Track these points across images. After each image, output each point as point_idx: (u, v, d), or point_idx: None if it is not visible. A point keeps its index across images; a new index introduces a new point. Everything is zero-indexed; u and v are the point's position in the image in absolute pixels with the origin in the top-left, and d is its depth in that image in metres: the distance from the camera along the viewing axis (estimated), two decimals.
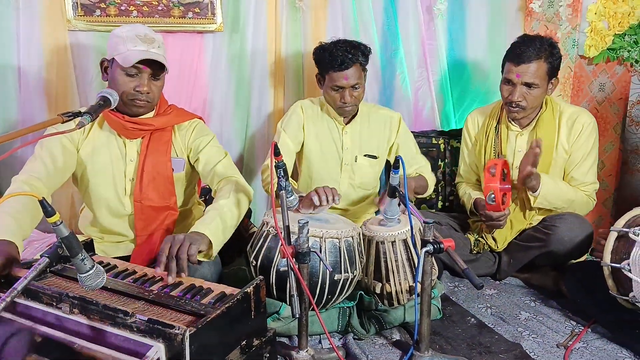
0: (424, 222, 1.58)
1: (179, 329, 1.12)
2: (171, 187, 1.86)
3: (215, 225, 1.64)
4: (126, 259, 1.79)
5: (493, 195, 2.07)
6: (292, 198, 1.73)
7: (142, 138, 1.84)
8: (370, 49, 2.22)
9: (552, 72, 2.16)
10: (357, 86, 2.17)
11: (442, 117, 2.96)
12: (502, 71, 2.22)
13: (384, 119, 2.35)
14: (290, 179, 1.88)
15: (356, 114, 2.32)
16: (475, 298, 2.18)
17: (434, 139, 2.75)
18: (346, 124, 2.32)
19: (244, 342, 1.33)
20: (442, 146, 2.75)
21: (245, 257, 1.98)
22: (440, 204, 2.80)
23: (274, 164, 1.59)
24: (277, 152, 1.59)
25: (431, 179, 2.37)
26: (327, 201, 1.86)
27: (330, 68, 2.15)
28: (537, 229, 2.25)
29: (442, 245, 1.56)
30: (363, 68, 2.19)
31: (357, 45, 2.16)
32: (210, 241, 1.61)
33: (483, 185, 2.15)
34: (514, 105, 2.17)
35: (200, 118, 1.99)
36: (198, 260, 1.57)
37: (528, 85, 2.13)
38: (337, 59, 2.11)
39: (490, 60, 2.82)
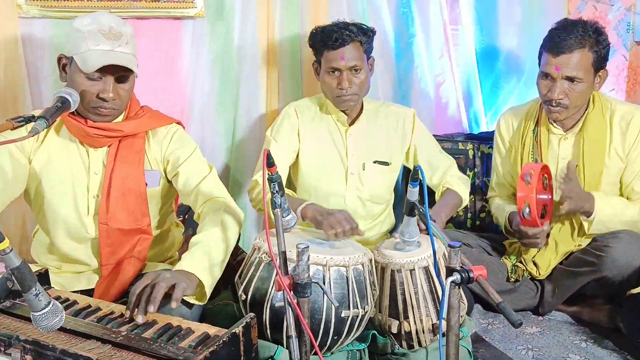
0: (450, 245, 1.58)
1: None
2: (144, 206, 1.86)
3: (204, 264, 1.66)
4: (89, 293, 1.79)
5: (528, 209, 2.07)
6: (289, 217, 1.74)
7: (109, 146, 1.84)
8: (374, 30, 2.25)
9: (599, 63, 2.17)
10: (357, 69, 2.19)
11: (470, 118, 2.97)
12: (539, 63, 2.23)
13: (395, 116, 2.37)
14: (287, 190, 1.89)
15: (361, 112, 2.33)
16: (514, 338, 2.17)
17: (460, 144, 2.77)
18: (350, 125, 2.33)
19: None
20: (470, 153, 2.77)
21: (233, 290, 1.98)
22: (469, 222, 2.80)
23: (266, 176, 1.60)
24: (270, 163, 1.59)
25: (464, 188, 2.35)
26: (345, 235, 1.88)
27: (324, 47, 2.18)
28: (587, 251, 2.25)
29: (471, 274, 1.55)
30: (365, 50, 2.21)
31: (356, 24, 2.20)
32: (199, 282, 1.63)
33: (517, 196, 2.15)
34: (554, 103, 2.18)
35: (179, 123, 2.00)
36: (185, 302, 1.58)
37: (570, 79, 2.15)
38: (332, 35, 2.15)
39: (528, 48, 2.84)
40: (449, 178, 2.36)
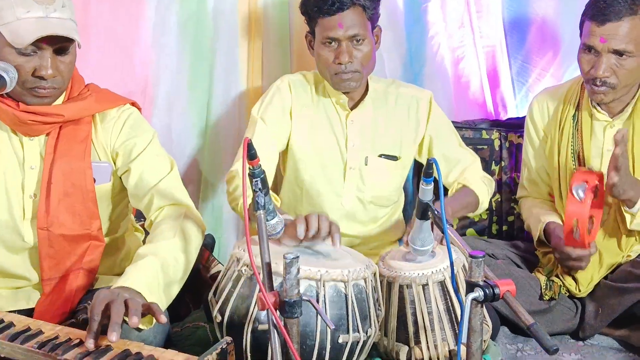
0: (471, 255, 1.58)
1: None
2: (92, 206, 1.85)
3: (156, 281, 1.64)
4: (29, 313, 1.78)
5: (577, 229, 2.07)
6: (274, 221, 1.73)
7: (48, 135, 1.83)
8: None
9: None
10: (358, 39, 2.18)
11: (497, 101, 2.96)
12: (581, 34, 2.23)
13: (407, 100, 2.36)
14: (271, 193, 1.88)
15: (366, 93, 2.32)
16: None
17: (484, 132, 2.76)
18: (352, 109, 2.32)
19: None
20: (496, 143, 2.75)
21: (206, 310, 1.97)
22: (494, 227, 2.80)
23: (247, 171, 1.59)
24: (252, 154, 1.58)
25: (484, 189, 2.35)
26: (320, 236, 1.85)
27: (319, 13, 2.17)
28: (637, 263, 2.25)
29: (497, 290, 1.55)
30: (369, 17, 2.21)
31: None
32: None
33: (565, 212, 2.13)
34: (598, 82, 2.17)
35: (134, 104, 1.98)
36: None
37: (618, 53, 2.14)
38: None
39: (567, 16, 2.83)
40: (467, 175, 2.35)
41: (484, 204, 2.36)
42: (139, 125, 1.92)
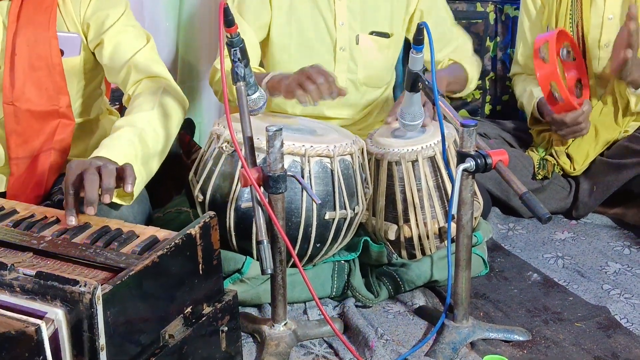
0: (463, 124, 1.58)
1: (85, 286, 1.13)
2: (60, 80, 1.83)
3: (133, 151, 1.63)
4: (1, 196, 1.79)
5: (558, 93, 2.06)
6: (255, 96, 1.71)
7: (11, 1, 1.78)
8: None
9: None
10: None
11: None
12: None
13: None
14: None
15: None
16: (540, 245, 2.22)
17: (479, 4, 2.72)
18: None
19: (188, 310, 1.35)
20: (491, 16, 2.73)
21: (189, 195, 1.98)
22: (487, 107, 2.80)
23: (224, 38, 1.55)
24: (229, 21, 1.55)
25: (473, 67, 2.36)
26: (325, 90, 1.82)
27: None
28: (636, 138, 2.27)
29: (489, 160, 1.57)
30: None
31: None
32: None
33: (538, 79, 2.13)
34: None
35: None
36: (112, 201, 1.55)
37: None
38: None
39: None
40: (457, 53, 2.34)
41: (472, 83, 2.36)
42: None
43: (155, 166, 1.72)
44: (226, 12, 1.54)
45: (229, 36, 1.57)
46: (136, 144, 1.64)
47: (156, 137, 1.71)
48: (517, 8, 2.60)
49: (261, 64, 2.33)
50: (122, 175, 1.51)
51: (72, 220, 1.45)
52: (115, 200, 1.61)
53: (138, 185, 1.62)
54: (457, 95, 2.42)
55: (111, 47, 1.84)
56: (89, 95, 1.97)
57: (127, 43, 1.85)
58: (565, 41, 2.18)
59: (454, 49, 2.35)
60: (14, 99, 1.78)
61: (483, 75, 2.73)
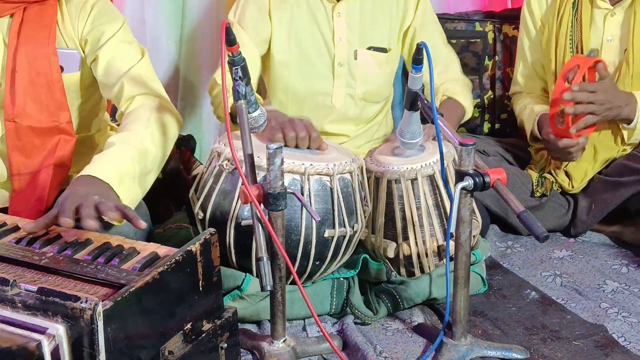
0: (461, 143, 1.59)
1: (86, 302, 1.13)
2: (60, 96, 1.84)
3: (126, 170, 1.62)
4: (2, 212, 1.78)
5: (563, 117, 2.08)
6: (256, 114, 1.72)
7: (12, 17, 1.80)
8: None
9: None
10: None
11: None
12: None
13: None
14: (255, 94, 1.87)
15: None
16: (538, 263, 2.23)
17: (477, 24, 2.73)
18: (338, 1, 2.28)
19: (188, 326, 1.35)
20: (490, 36, 2.74)
21: (189, 211, 1.99)
22: (486, 125, 2.81)
23: (225, 57, 1.57)
24: (231, 40, 1.57)
25: (467, 97, 2.35)
26: (303, 143, 1.85)
27: None
28: (634, 156, 2.27)
29: (487, 178, 1.58)
30: None
31: None
32: (116, 195, 1.58)
33: (551, 96, 2.14)
34: None
35: None
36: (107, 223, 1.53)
37: None
38: None
39: None
40: (450, 84, 2.34)
41: (469, 114, 2.37)
42: (108, 11, 1.89)
43: (150, 181, 1.71)
44: (228, 31, 1.56)
45: (230, 55, 1.59)
46: (130, 162, 1.63)
47: (149, 154, 1.70)
48: (516, 28, 2.61)
49: (261, 77, 2.34)
50: (122, 217, 1.50)
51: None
52: (113, 222, 1.60)
53: (132, 203, 1.63)
54: None
55: (105, 62, 1.85)
56: (89, 111, 1.98)
57: (121, 58, 1.86)
58: (594, 72, 2.17)
59: (443, 69, 2.35)
60: (15, 116, 1.79)
61: (482, 94, 2.75)
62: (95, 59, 1.86)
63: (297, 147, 1.88)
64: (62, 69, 1.84)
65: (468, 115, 2.38)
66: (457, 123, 2.29)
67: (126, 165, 1.63)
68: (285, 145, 1.84)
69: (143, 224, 1.46)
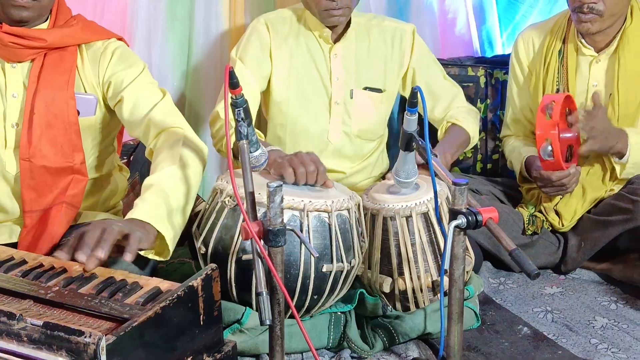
0: (455, 182, 1.60)
1: (90, 337, 1.13)
2: (75, 138, 1.85)
3: (160, 210, 1.65)
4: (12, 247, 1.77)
5: (550, 148, 2.10)
6: (257, 153, 1.73)
7: (32, 62, 1.82)
8: None
9: None
10: None
11: (483, 38, 2.96)
12: None
13: (390, 32, 2.36)
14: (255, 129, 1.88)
15: (348, 26, 2.31)
16: (530, 299, 2.22)
17: (470, 69, 2.76)
18: (335, 42, 2.31)
19: None
20: (482, 80, 2.77)
21: (191, 246, 1.99)
22: (479, 165, 2.83)
23: (229, 99, 1.58)
24: (234, 83, 1.58)
25: (473, 124, 2.36)
26: (311, 177, 1.86)
27: None
28: (621, 196, 2.28)
29: (480, 217, 1.58)
30: None
31: None
32: (158, 233, 1.62)
33: (536, 133, 2.16)
34: (585, 8, 2.17)
35: (121, 39, 1.98)
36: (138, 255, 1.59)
37: None
38: None
39: None
40: (454, 111, 2.36)
41: (474, 139, 2.39)
42: (128, 57, 1.92)
43: (178, 220, 1.71)
44: (231, 75, 1.57)
45: (233, 97, 1.60)
46: (162, 203, 1.66)
47: (178, 193, 1.72)
48: (506, 73, 2.64)
49: (259, 116, 2.36)
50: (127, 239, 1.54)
51: (88, 263, 1.48)
52: (154, 257, 1.67)
53: (171, 240, 1.66)
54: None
55: (131, 103, 1.86)
56: (102, 152, 1.99)
57: (145, 99, 1.88)
58: (569, 107, 2.20)
59: (448, 104, 2.37)
60: (30, 156, 1.80)
61: None
62: (120, 100, 1.87)
63: (295, 184, 1.88)
64: (78, 112, 1.86)
65: (474, 141, 2.38)
66: (459, 148, 2.29)
67: (159, 207, 1.66)
68: (294, 182, 1.86)
69: (129, 257, 1.53)
